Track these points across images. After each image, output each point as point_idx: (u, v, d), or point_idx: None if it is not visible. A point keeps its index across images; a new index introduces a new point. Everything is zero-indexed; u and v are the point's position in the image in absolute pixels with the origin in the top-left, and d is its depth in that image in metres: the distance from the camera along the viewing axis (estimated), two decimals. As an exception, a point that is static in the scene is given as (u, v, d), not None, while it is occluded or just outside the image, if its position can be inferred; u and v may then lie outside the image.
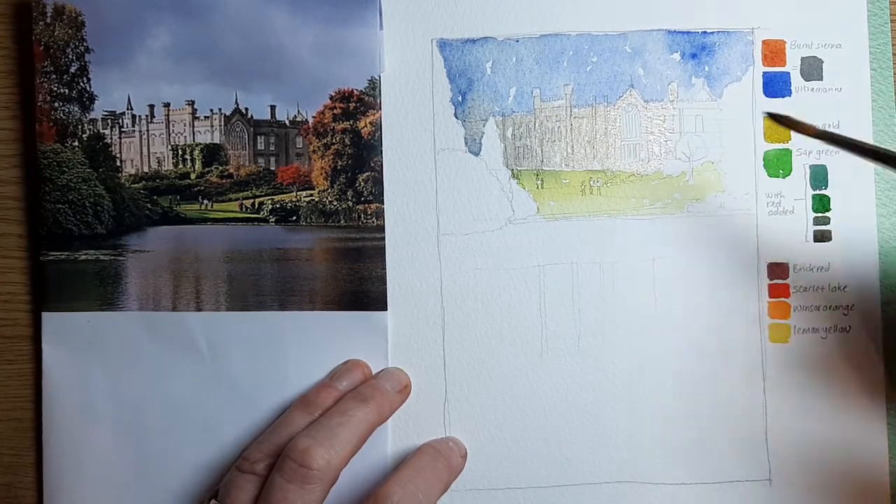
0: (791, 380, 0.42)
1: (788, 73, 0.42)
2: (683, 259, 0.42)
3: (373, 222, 0.43)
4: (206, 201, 0.44)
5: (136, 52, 0.43)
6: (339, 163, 0.43)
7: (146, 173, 0.44)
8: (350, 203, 0.43)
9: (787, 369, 0.42)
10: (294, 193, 0.44)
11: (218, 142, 0.44)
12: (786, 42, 0.42)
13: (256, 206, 0.44)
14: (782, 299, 0.42)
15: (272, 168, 0.44)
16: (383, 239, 0.43)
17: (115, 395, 0.43)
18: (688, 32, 0.42)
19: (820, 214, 0.42)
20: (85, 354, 0.43)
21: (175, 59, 0.43)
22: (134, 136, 0.44)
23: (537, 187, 0.43)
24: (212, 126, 0.44)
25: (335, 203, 0.43)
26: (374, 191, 0.43)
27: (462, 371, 0.43)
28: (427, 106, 0.43)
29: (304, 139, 0.44)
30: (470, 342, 0.43)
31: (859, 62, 0.42)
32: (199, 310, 0.43)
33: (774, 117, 0.38)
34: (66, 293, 0.43)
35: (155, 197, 0.44)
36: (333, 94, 0.43)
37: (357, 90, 0.43)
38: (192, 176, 0.44)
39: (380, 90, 0.43)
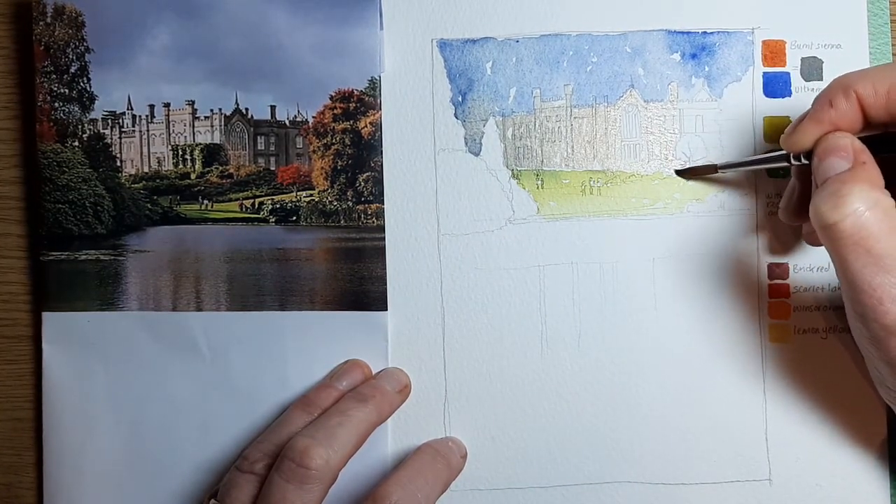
0: (791, 380, 0.42)
1: (788, 74, 0.42)
2: (683, 259, 0.42)
3: (373, 222, 0.43)
4: (206, 201, 0.44)
5: (136, 52, 0.43)
6: (339, 163, 0.43)
7: (146, 173, 0.44)
8: (350, 203, 0.43)
9: (787, 369, 0.42)
10: (294, 193, 0.44)
11: (218, 142, 0.44)
12: (786, 42, 0.42)
13: (256, 206, 0.44)
14: (782, 299, 0.42)
15: (272, 168, 0.44)
16: (383, 239, 0.43)
17: (115, 395, 0.43)
18: (688, 32, 0.42)
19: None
20: (85, 354, 0.43)
21: (175, 59, 0.43)
22: (134, 136, 0.44)
23: (537, 187, 0.43)
24: (212, 126, 0.44)
25: (335, 203, 0.43)
26: (374, 191, 0.43)
27: (462, 371, 0.43)
28: (427, 106, 0.43)
29: (304, 139, 0.44)
30: (470, 342, 0.43)
31: (859, 62, 0.42)
32: (199, 310, 0.43)
33: (681, 173, 0.42)
34: (66, 293, 0.43)
35: (155, 197, 0.44)
36: (333, 94, 0.43)
37: (357, 90, 0.43)
38: (193, 176, 0.44)
39: (380, 90, 0.43)
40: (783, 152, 0.36)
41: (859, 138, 0.34)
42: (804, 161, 0.35)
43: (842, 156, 0.33)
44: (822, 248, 0.42)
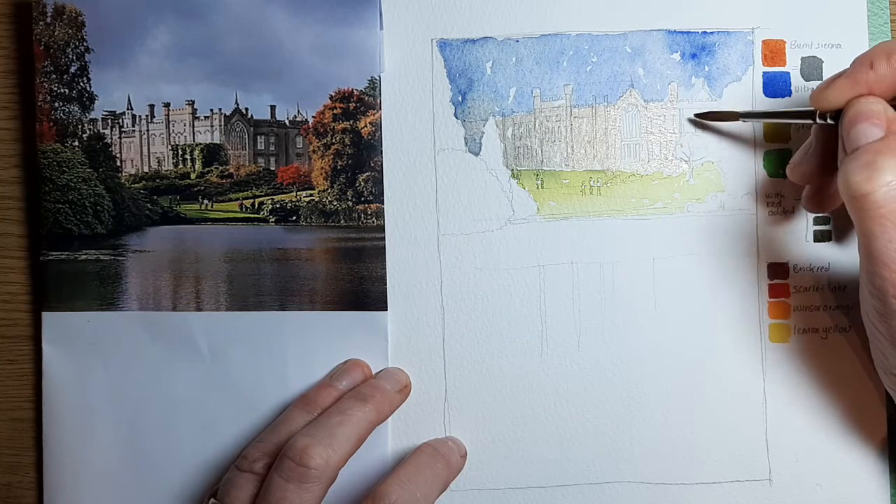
0: (791, 380, 0.42)
1: (788, 73, 0.42)
2: (683, 259, 0.42)
3: (373, 222, 0.43)
4: (206, 201, 0.44)
5: (136, 52, 0.43)
6: (339, 163, 0.43)
7: (146, 173, 0.44)
8: (350, 203, 0.43)
9: (787, 369, 0.42)
10: (294, 193, 0.44)
11: (218, 142, 0.44)
12: (786, 42, 0.42)
13: (256, 206, 0.44)
14: (782, 299, 0.42)
15: (272, 168, 0.44)
16: (383, 239, 0.43)
17: (115, 395, 0.43)
18: (688, 32, 0.42)
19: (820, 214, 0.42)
20: (85, 354, 0.43)
21: (175, 59, 0.43)
22: (134, 136, 0.44)
23: (537, 187, 0.43)
24: (212, 126, 0.44)
25: (335, 203, 0.43)
26: (374, 191, 0.43)
27: (462, 371, 0.43)
28: (427, 106, 0.43)
29: (304, 139, 0.44)
30: (470, 342, 0.43)
31: (859, 62, 0.42)
32: (199, 310, 0.43)
33: (699, 118, 0.42)
34: (66, 293, 0.43)
35: (155, 197, 0.44)
36: (333, 94, 0.43)
37: (357, 90, 0.43)
38: (192, 176, 0.44)
39: (380, 90, 0.43)
40: (809, 108, 0.36)
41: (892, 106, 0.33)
42: (830, 121, 0.35)
43: (875, 123, 0.32)
44: (822, 244, 0.42)
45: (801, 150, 0.38)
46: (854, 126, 0.33)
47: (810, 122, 0.36)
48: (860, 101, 0.33)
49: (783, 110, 0.40)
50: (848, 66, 0.34)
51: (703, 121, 0.42)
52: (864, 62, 0.33)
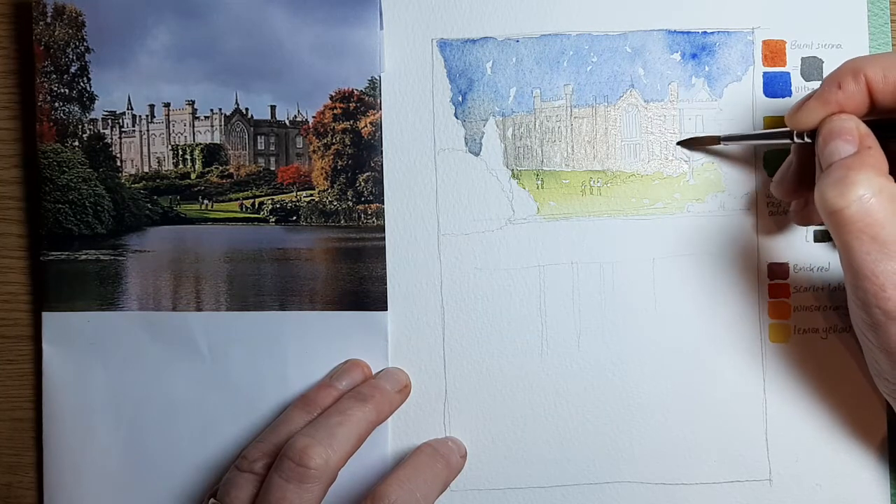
0: (791, 380, 0.42)
1: (788, 73, 0.42)
2: (683, 259, 0.42)
3: (373, 222, 0.43)
4: (206, 201, 0.44)
5: (136, 52, 0.43)
6: (339, 163, 0.43)
7: (146, 173, 0.44)
8: (350, 203, 0.43)
9: (787, 369, 0.42)
10: (294, 193, 0.44)
11: (218, 142, 0.44)
12: (786, 42, 0.42)
13: (256, 206, 0.44)
14: (782, 299, 0.42)
15: (272, 168, 0.44)
16: (383, 239, 0.43)
17: (115, 395, 0.43)
18: (688, 32, 0.42)
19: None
20: (85, 354, 0.43)
21: (175, 59, 0.43)
22: (134, 136, 0.44)
23: (537, 187, 0.43)
24: (212, 126, 0.44)
25: (335, 203, 0.43)
26: (374, 191, 0.43)
27: (462, 371, 0.43)
28: (427, 106, 0.43)
29: (304, 139, 0.44)
30: (470, 342, 0.43)
31: (859, 62, 0.42)
32: (199, 310, 0.43)
33: (684, 143, 0.42)
34: (66, 293, 0.43)
35: (155, 197, 0.44)
36: (333, 94, 0.43)
37: (357, 90, 0.43)
38: (193, 176, 0.44)
39: (380, 90, 0.43)
40: (786, 129, 0.36)
41: (864, 122, 0.34)
42: (807, 140, 0.35)
43: (847, 139, 0.33)
44: (822, 244, 0.42)
45: (783, 168, 0.39)
46: (827, 144, 0.33)
47: (789, 142, 0.36)
48: (833, 119, 0.34)
49: (763, 132, 0.41)
50: (834, 72, 0.35)
51: (687, 147, 0.42)
52: (832, 82, 0.34)
